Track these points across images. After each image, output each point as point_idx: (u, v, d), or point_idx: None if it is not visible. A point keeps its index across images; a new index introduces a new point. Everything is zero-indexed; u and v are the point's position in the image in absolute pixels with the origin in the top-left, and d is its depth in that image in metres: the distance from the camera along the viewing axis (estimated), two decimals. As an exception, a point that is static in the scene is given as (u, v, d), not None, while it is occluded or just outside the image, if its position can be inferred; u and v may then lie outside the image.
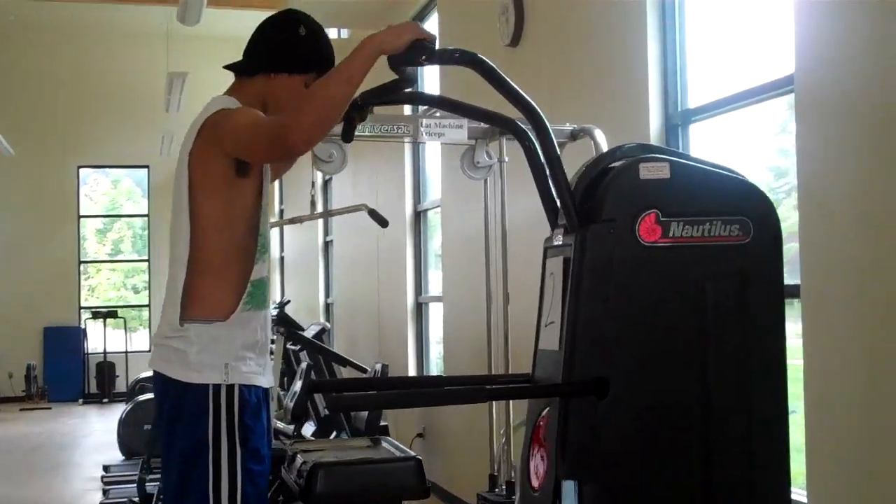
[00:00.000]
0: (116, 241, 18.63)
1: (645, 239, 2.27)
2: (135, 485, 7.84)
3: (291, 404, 5.53)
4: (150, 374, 9.62)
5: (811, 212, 3.28)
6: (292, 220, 6.02)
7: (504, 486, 3.72)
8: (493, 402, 3.78)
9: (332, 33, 11.92)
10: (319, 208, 10.35)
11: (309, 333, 7.50)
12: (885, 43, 3.07)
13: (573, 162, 4.04)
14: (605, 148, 2.54)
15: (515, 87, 2.34)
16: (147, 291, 17.69)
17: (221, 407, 2.53)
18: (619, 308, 2.25)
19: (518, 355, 3.83)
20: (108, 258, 18.37)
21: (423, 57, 2.32)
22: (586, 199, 2.35)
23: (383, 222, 4.44)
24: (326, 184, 12.13)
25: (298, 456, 2.36)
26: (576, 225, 2.32)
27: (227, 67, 2.82)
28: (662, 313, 2.27)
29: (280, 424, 6.65)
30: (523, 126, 2.48)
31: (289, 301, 10.39)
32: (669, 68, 4.46)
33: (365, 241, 9.43)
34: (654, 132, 4.41)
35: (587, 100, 5.06)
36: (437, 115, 3.49)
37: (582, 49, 5.11)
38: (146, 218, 17.76)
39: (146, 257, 17.79)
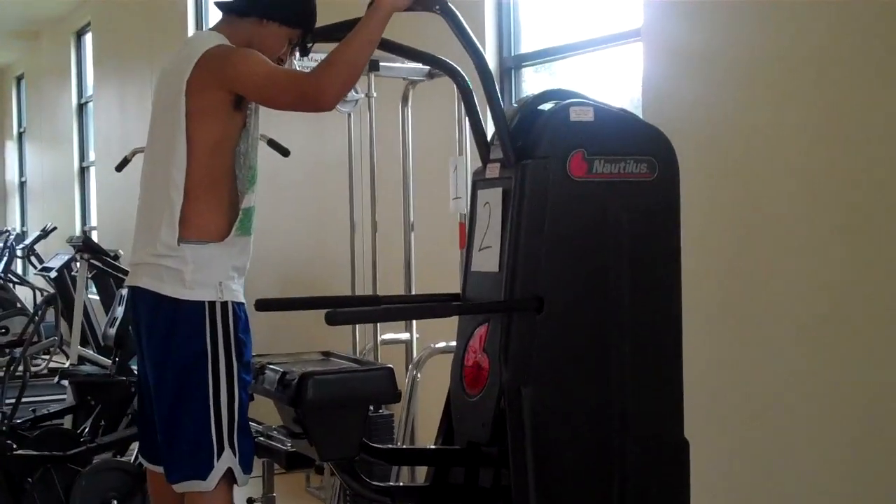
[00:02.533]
0: None
1: (574, 174, 2.59)
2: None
3: (113, 330, 5.55)
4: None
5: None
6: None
7: (370, 401, 4.01)
8: (356, 326, 4.07)
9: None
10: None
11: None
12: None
13: (430, 98, 4.34)
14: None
15: (473, 38, 2.61)
16: None
17: (217, 322, 2.68)
18: (553, 235, 2.57)
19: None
20: None
21: (437, 7, 2.58)
22: (518, 137, 2.65)
23: (284, 152, 4.58)
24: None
25: (269, 368, 2.57)
26: (513, 161, 2.61)
27: (218, 5, 2.92)
28: (588, 238, 2.61)
29: (88, 352, 6.63)
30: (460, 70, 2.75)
31: (55, 227, 10.15)
32: (503, 12, 4.79)
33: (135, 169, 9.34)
34: (488, 74, 4.74)
35: (423, 41, 5.32)
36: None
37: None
38: None
39: None
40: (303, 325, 4.25)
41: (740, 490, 3.59)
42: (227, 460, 2.70)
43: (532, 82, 4.83)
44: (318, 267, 6.22)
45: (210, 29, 2.93)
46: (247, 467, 2.76)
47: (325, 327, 2.82)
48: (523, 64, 4.74)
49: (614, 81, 4.53)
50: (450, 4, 2.63)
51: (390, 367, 2.60)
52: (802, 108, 3.35)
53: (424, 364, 3.81)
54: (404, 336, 4.14)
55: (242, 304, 2.80)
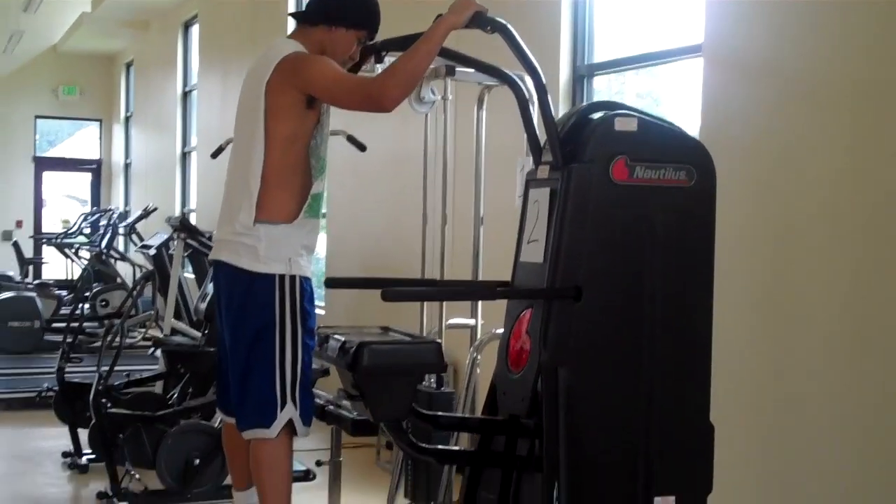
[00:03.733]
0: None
1: (616, 178, 2.86)
2: (15, 377, 8.16)
3: (203, 305, 5.95)
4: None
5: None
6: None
7: (433, 379, 4.32)
8: (426, 305, 4.38)
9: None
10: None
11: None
12: (790, 17, 3.75)
13: (501, 102, 4.61)
14: (533, 94, 3.13)
15: (527, 51, 2.91)
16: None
17: (286, 293, 3.05)
18: (594, 231, 2.85)
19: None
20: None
21: (488, 27, 2.89)
22: (568, 143, 2.93)
23: (362, 147, 4.95)
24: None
25: (332, 338, 2.90)
26: (561, 164, 2.89)
27: (292, 15, 3.30)
28: (626, 237, 2.88)
29: (180, 325, 7.06)
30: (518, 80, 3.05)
31: (156, 208, 10.65)
32: (579, 24, 5.06)
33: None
34: (562, 82, 5.03)
35: (498, 47, 5.62)
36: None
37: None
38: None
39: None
40: (378, 305, 4.57)
41: (763, 475, 3.82)
42: (288, 412, 3.06)
43: (605, 89, 5.10)
44: (394, 253, 6.56)
45: (287, 37, 3.30)
46: (306, 420, 3.12)
47: (395, 308, 3.16)
48: (595, 73, 5.01)
49: (682, 92, 4.77)
50: (504, 22, 2.92)
51: (438, 342, 2.92)
52: (854, 123, 3.55)
53: (485, 347, 4.10)
54: (469, 321, 4.43)
55: (309, 278, 3.15)
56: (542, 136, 3.00)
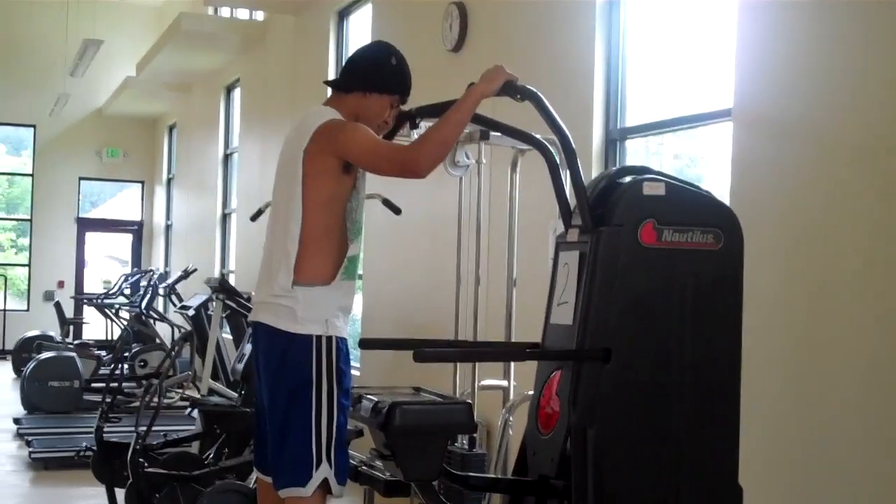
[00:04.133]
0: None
1: (644, 241, 2.91)
2: (54, 437, 8.24)
3: (241, 366, 6.02)
4: (36, 332, 10.09)
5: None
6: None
7: (466, 440, 4.35)
8: (459, 366, 4.42)
9: (244, 14, 12.35)
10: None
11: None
12: (817, 77, 3.79)
13: (534, 166, 4.68)
14: (562, 157, 3.20)
15: (556, 117, 2.97)
16: (28, 252, 17.64)
17: (322, 354, 3.11)
18: (623, 294, 2.88)
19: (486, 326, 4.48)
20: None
21: (518, 95, 2.97)
22: (597, 207, 2.98)
23: (397, 210, 5.04)
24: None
25: (366, 398, 2.94)
26: (591, 227, 2.94)
27: (327, 83, 3.40)
28: (654, 299, 2.91)
29: (217, 385, 7.12)
30: (549, 147, 3.11)
31: (196, 269, 10.78)
32: (612, 87, 5.13)
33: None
34: (595, 145, 5.09)
35: (530, 110, 5.71)
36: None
37: (526, 59, 5.72)
38: (31, 177, 17.68)
39: (27, 216, 17.72)
40: (412, 366, 4.63)
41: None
42: (324, 471, 3.11)
43: (643, 150, 5.16)
44: (428, 314, 6.61)
45: (323, 104, 3.38)
46: (341, 479, 3.16)
47: (428, 368, 3.21)
48: (628, 136, 5.07)
49: (719, 153, 4.82)
50: (533, 90, 3.00)
51: (469, 403, 2.95)
52: (886, 185, 3.57)
53: (517, 408, 4.13)
54: (502, 383, 4.47)
55: (345, 339, 3.20)
56: (572, 199, 3.05)
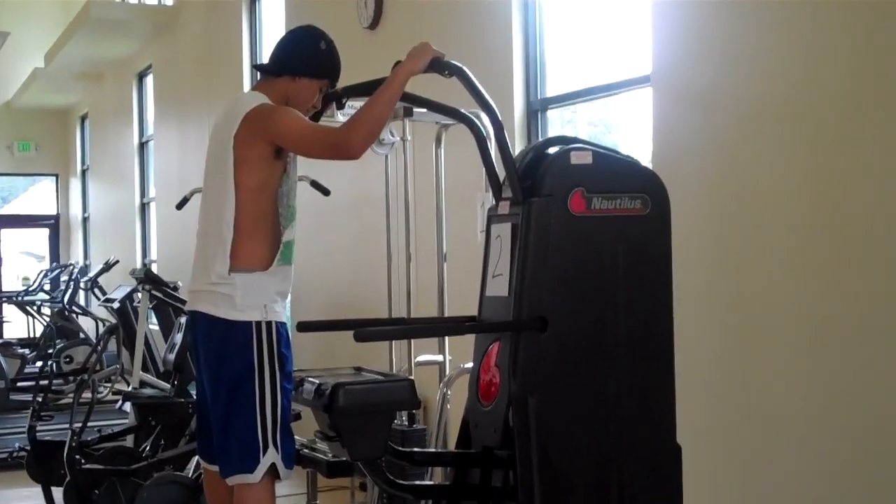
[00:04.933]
0: None
1: (574, 210, 2.94)
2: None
3: (172, 356, 5.98)
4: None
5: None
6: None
7: (405, 417, 4.38)
8: (395, 344, 4.44)
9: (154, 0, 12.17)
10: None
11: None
12: (733, 42, 3.86)
13: (459, 140, 4.70)
14: (490, 131, 3.23)
15: (483, 91, 2.99)
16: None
17: (263, 339, 3.11)
18: (556, 263, 2.92)
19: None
20: None
21: (446, 72, 2.99)
22: (526, 178, 3.01)
23: (325, 192, 5.02)
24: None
25: (307, 381, 2.95)
26: (520, 199, 2.97)
27: (255, 67, 3.38)
28: (587, 267, 2.95)
29: (149, 377, 7.05)
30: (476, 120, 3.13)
31: (118, 261, 10.64)
32: (531, 59, 5.17)
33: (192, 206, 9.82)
34: (518, 116, 5.12)
35: (449, 85, 5.71)
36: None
37: (443, 36, 5.72)
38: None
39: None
40: (347, 346, 4.65)
41: (731, 493, 3.90)
42: (271, 456, 3.11)
43: (558, 119, 5.21)
44: (360, 293, 6.61)
45: (252, 89, 3.37)
46: (288, 463, 3.17)
47: (364, 347, 3.21)
48: (549, 106, 5.11)
49: (633, 119, 4.89)
50: (460, 66, 3.02)
51: (411, 379, 2.98)
52: (800, 151, 3.66)
53: (454, 382, 4.16)
54: (438, 357, 4.49)
55: (284, 323, 3.21)
56: (500, 172, 3.08)
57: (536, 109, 5.13)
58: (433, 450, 3.82)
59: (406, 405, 3.17)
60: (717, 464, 3.94)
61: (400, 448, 3.09)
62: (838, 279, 3.53)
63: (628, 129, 5.06)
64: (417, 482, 3.39)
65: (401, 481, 2.96)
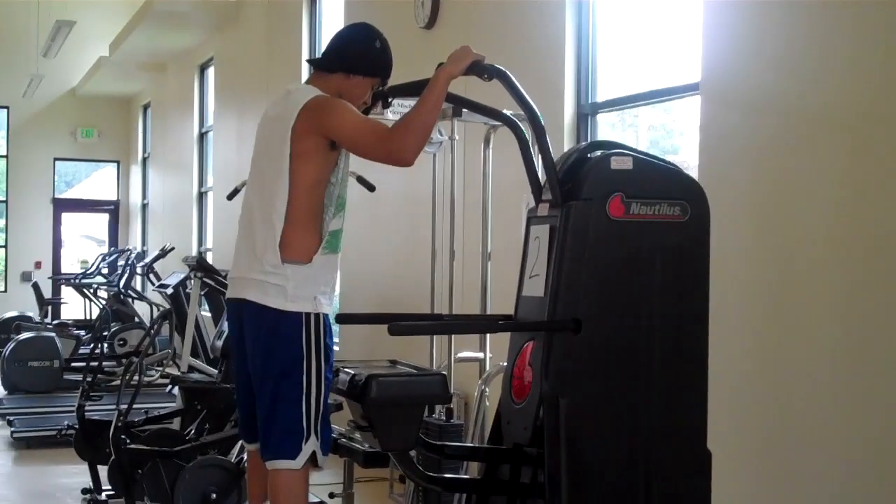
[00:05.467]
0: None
1: (613, 215, 2.98)
2: (35, 416, 8.29)
3: (220, 343, 6.08)
4: (14, 313, 10.09)
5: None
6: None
7: (442, 412, 4.44)
8: (435, 339, 4.50)
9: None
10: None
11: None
12: (782, 49, 3.87)
13: (507, 141, 4.76)
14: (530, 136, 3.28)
15: (524, 94, 3.04)
16: (4, 233, 17.58)
17: (311, 331, 3.19)
18: (592, 266, 2.96)
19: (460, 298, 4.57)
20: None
21: (485, 75, 3.04)
22: (566, 181, 3.05)
23: (370, 187, 5.10)
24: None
25: (343, 371, 3.02)
26: (560, 201, 3.02)
27: (310, 62, 3.47)
28: (623, 271, 2.99)
29: (197, 362, 7.18)
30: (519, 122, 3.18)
31: (173, 248, 10.81)
32: (582, 62, 5.20)
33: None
34: (567, 120, 5.16)
35: (501, 87, 5.77)
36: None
37: (498, 37, 5.78)
38: (5, 159, 17.61)
39: (3, 198, 17.65)
40: (391, 340, 4.72)
41: (760, 500, 3.90)
42: (312, 445, 3.19)
43: (619, 122, 5.25)
44: (406, 289, 6.69)
45: (305, 83, 3.44)
46: (325, 450, 3.24)
47: (407, 342, 3.28)
48: (599, 110, 5.15)
49: (689, 127, 4.91)
50: (501, 69, 3.07)
51: (443, 374, 3.04)
52: (853, 153, 3.65)
53: (493, 379, 4.21)
54: (478, 355, 4.55)
55: (328, 315, 3.28)
56: (542, 175, 3.12)
57: (586, 113, 5.16)
58: (466, 444, 3.87)
59: (437, 399, 3.24)
60: (747, 467, 3.95)
61: (433, 441, 3.15)
62: (879, 291, 3.53)
63: (687, 134, 5.08)
64: (448, 475, 3.44)
65: (432, 474, 3.02)
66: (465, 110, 4.31)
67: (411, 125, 3.16)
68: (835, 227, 3.70)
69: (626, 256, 3.00)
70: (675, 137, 5.34)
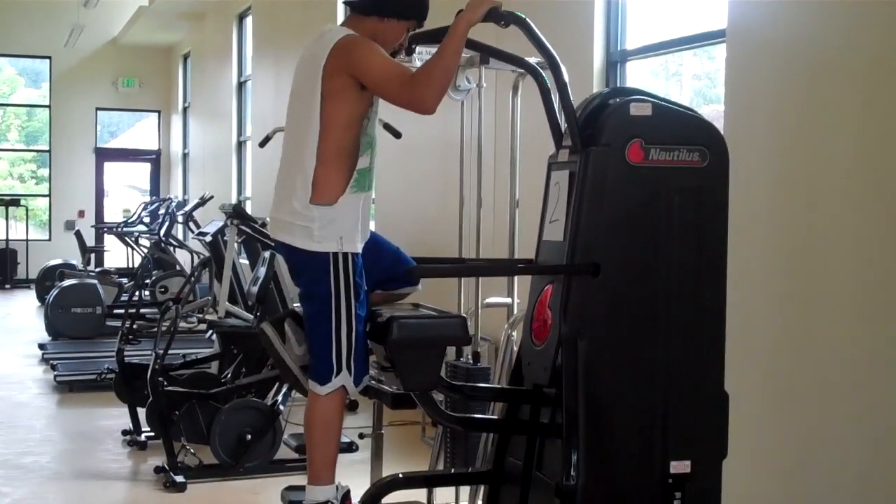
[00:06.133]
0: (1, 130, 18.57)
1: (632, 160, 3.02)
2: (78, 361, 8.48)
3: (255, 289, 6.19)
4: (58, 261, 10.31)
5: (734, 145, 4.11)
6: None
7: (469, 356, 4.51)
8: (463, 284, 4.56)
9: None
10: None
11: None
12: (808, 3, 3.87)
13: (532, 92, 4.78)
14: (568, 81, 3.30)
15: (544, 41, 3.07)
16: (48, 182, 17.84)
17: (340, 269, 3.28)
18: (611, 211, 3.01)
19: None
20: None
21: (502, 21, 3.08)
22: (586, 127, 3.09)
23: (397, 134, 5.15)
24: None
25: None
26: (580, 147, 3.06)
27: (347, 3, 3.51)
28: (642, 216, 3.03)
29: (234, 308, 7.30)
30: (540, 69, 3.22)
31: (212, 196, 10.93)
32: (612, 11, 5.21)
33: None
34: (596, 67, 5.18)
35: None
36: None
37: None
38: (48, 109, 17.82)
39: (46, 147, 17.89)
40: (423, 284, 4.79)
41: (776, 442, 3.96)
42: (342, 379, 3.29)
43: (662, 70, 5.26)
44: (439, 234, 6.75)
45: (340, 25, 3.50)
46: (358, 380, 3.32)
47: (435, 287, 3.34)
48: (628, 58, 5.16)
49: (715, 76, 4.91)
50: (519, 15, 3.10)
51: (463, 317, 3.11)
52: (877, 101, 3.66)
53: (519, 324, 4.27)
54: (506, 300, 4.61)
55: (359, 253, 3.35)
56: (563, 121, 3.16)
57: (616, 61, 5.17)
58: (486, 385, 3.95)
59: (457, 341, 3.31)
60: (764, 413, 4.00)
61: (454, 382, 3.23)
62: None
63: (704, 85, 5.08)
64: (467, 415, 3.52)
65: (452, 413, 3.10)
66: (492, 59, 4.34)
67: (432, 72, 3.21)
68: (863, 171, 3.70)
69: (645, 201, 3.04)
70: (719, 86, 5.33)
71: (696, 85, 5.42)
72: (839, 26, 3.78)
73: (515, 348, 4.32)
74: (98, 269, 13.00)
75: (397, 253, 3.50)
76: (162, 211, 12.70)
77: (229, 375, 5.82)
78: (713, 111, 4.91)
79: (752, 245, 3.97)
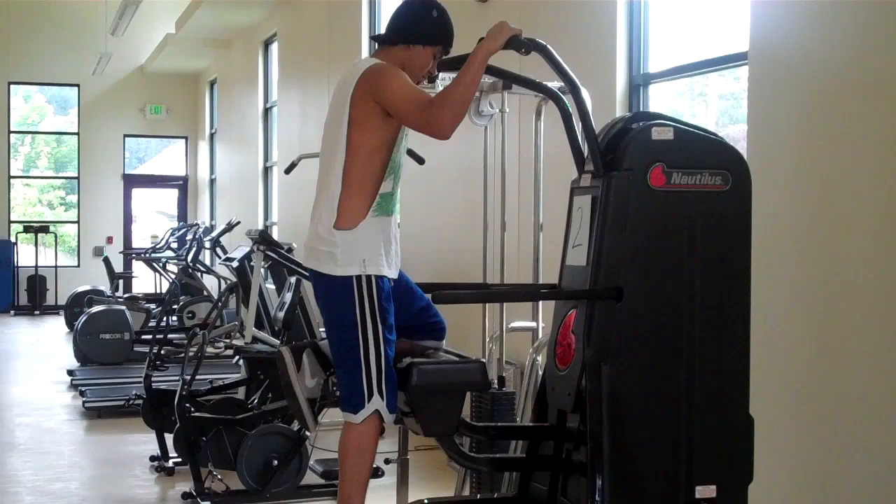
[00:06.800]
0: (31, 157, 18.75)
1: (654, 184, 3.03)
2: (106, 387, 8.53)
3: (282, 314, 6.21)
4: (87, 287, 10.39)
5: (757, 167, 4.10)
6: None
7: (496, 380, 4.51)
8: (487, 308, 4.57)
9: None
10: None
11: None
12: (831, 18, 3.87)
13: (555, 117, 4.79)
14: (590, 105, 3.31)
15: (565, 66, 3.09)
16: (77, 209, 17.98)
17: (364, 293, 3.31)
18: (633, 235, 3.02)
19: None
20: (22, 174, 18.42)
21: (523, 49, 3.10)
22: (608, 152, 3.10)
23: (420, 160, 5.18)
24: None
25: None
26: (602, 172, 3.07)
27: (373, 38, 3.58)
28: (664, 240, 3.04)
29: (261, 333, 7.33)
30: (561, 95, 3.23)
31: (239, 222, 10.99)
32: (634, 35, 5.22)
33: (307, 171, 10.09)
34: (619, 91, 5.19)
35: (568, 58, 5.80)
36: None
37: (552, 9, 5.81)
38: (77, 136, 17.98)
39: (75, 174, 18.04)
40: (446, 310, 4.79)
41: (802, 466, 3.93)
42: (375, 404, 3.31)
43: (687, 91, 5.26)
44: (464, 260, 6.76)
45: (370, 56, 3.57)
46: (392, 408, 3.33)
47: (460, 313, 3.35)
48: (651, 81, 5.16)
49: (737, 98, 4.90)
50: (539, 42, 3.12)
51: (483, 361, 3.12)
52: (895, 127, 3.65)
53: (544, 348, 4.27)
54: (531, 324, 4.61)
55: (385, 277, 3.38)
56: (585, 146, 3.17)
57: (639, 84, 5.18)
58: (506, 424, 3.94)
59: (477, 386, 3.32)
60: (790, 438, 3.97)
61: (476, 423, 3.22)
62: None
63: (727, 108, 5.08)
64: (491, 455, 3.49)
65: (475, 455, 3.11)
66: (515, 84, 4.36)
67: (448, 99, 3.24)
68: (885, 195, 3.69)
69: (668, 226, 3.05)
70: (745, 107, 5.32)
71: (722, 105, 5.41)
72: (858, 46, 3.78)
73: (540, 372, 4.33)
74: (126, 295, 13.08)
75: (429, 304, 3.54)
76: (189, 237, 12.77)
77: (256, 401, 5.84)
78: (739, 131, 4.90)
79: (777, 266, 3.96)
